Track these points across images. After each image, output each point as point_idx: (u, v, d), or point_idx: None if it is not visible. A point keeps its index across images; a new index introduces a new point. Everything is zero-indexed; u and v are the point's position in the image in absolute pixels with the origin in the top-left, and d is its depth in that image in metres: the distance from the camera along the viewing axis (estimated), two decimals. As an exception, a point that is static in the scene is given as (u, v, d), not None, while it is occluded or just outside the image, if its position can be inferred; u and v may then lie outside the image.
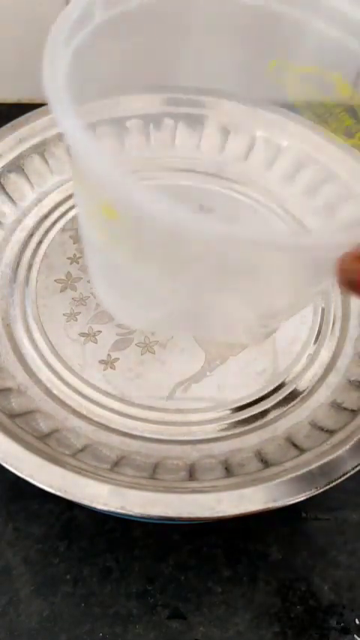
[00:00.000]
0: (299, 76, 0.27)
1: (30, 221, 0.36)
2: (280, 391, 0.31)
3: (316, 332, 0.33)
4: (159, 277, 0.25)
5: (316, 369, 0.32)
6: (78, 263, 0.35)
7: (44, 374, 0.31)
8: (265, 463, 0.27)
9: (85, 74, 0.22)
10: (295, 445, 0.28)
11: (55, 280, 0.35)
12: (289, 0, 0.25)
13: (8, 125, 0.36)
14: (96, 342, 0.32)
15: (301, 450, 0.28)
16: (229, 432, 0.30)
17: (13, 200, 0.36)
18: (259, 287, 0.24)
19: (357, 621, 0.28)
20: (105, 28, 0.23)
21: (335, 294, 0.35)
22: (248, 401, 0.31)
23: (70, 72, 0.21)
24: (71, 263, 0.35)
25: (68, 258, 0.35)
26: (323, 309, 0.34)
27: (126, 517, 0.25)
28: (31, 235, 0.36)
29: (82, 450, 0.28)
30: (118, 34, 0.24)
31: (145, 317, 0.30)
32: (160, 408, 0.30)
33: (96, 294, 0.32)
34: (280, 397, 0.31)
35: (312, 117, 0.30)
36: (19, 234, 0.36)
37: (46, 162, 0.37)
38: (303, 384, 0.31)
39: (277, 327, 0.32)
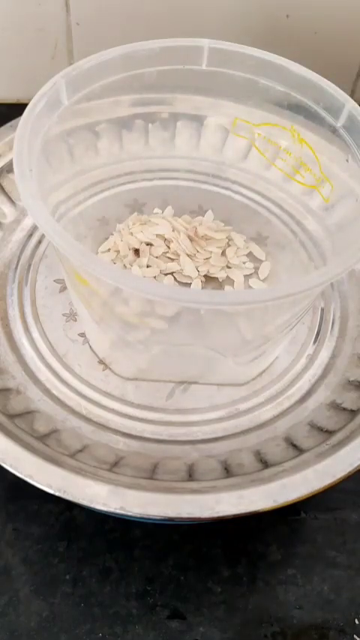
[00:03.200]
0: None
1: (29, 221, 0.36)
2: (279, 391, 0.31)
3: (315, 332, 0.33)
4: (135, 329, 0.27)
5: (316, 369, 0.32)
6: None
7: (43, 374, 0.31)
8: (265, 463, 0.27)
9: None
10: (294, 445, 0.28)
11: (54, 280, 0.34)
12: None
13: (8, 125, 0.36)
14: (95, 343, 0.32)
15: (301, 450, 0.28)
16: (228, 432, 0.30)
17: (12, 200, 0.36)
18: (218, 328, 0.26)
19: (357, 621, 0.28)
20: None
21: (335, 294, 0.35)
22: (247, 401, 0.31)
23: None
24: (70, 263, 0.35)
25: (67, 259, 0.35)
26: (322, 309, 0.34)
27: (125, 517, 0.25)
28: (30, 235, 0.36)
29: (81, 451, 0.28)
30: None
31: (133, 365, 0.31)
32: (160, 408, 0.30)
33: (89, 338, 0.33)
34: (280, 397, 0.31)
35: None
36: (19, 234, 0.36)
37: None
38: (302, 384, 0.31)
39: (263, 366, 0.32)
